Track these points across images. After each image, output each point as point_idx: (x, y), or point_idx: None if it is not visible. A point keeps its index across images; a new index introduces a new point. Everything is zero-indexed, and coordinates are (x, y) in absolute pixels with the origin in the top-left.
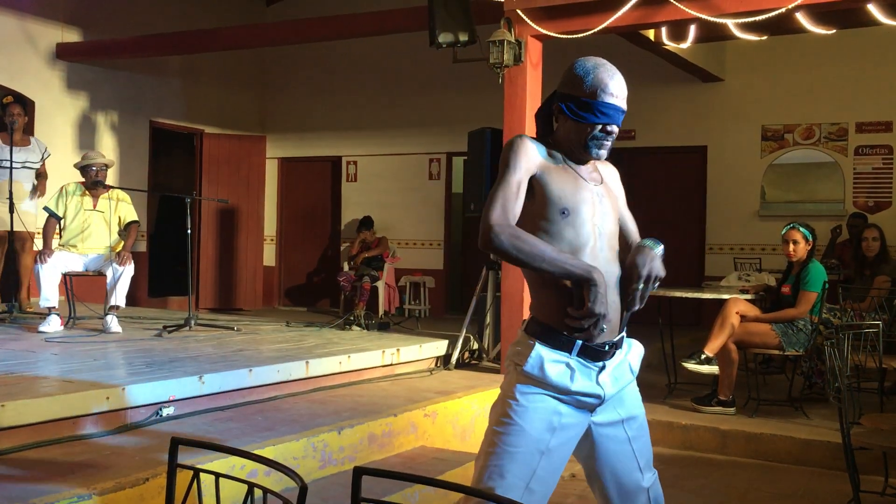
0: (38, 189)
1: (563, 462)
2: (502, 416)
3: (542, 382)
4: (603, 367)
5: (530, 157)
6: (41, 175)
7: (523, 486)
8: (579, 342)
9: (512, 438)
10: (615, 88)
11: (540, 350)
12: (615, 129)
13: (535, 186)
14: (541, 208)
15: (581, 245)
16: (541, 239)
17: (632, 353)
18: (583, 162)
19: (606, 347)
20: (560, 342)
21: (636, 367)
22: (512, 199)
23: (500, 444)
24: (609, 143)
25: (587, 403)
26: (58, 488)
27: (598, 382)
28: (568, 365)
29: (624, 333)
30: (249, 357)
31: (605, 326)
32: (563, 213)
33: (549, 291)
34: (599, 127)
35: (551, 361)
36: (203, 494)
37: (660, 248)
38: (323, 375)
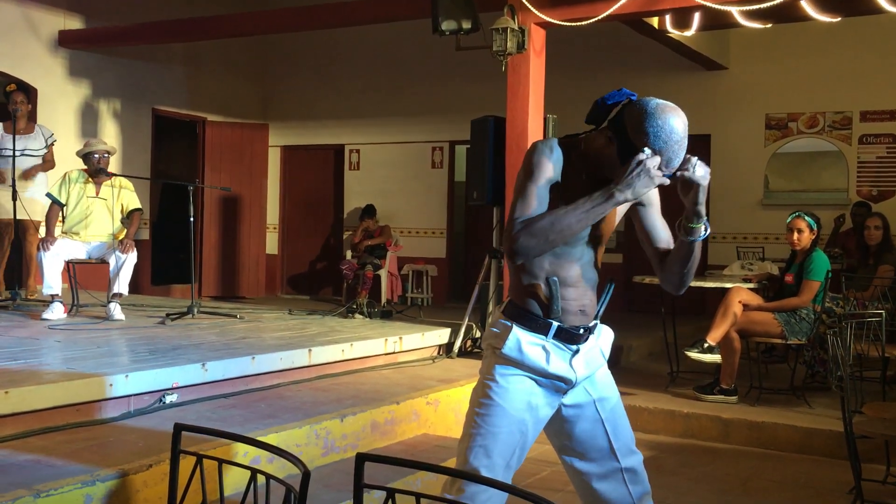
0: (36, 170)
1: (533, 441)
2: (483, 397)
3: (520, 364)
4: (577, 351)
5: (552, 164)
6: (47, 162)
7: (504, 465)
8: (555, 325)
9: (494, 419)
10: (669, 168)
11: (517, 332)
12: None
13: (551, 193)
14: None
15: (566, 255)
16: None
17: (602, 338)
18: (602, 179)
19: (581, 331)
20: (537, 325)
21: (607, 351)
22: (529, 208)
23: (483, 424)
24: None
25: (559, 386)
26: (61, 474)
27: (571, 366)
28: (544, 347)
29: (598, 320)
30: (252, 345)
31: (582, 310)
32: None
33: (526, 276)
34: None
35: (528, 344)
36: (206, 480)
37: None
38: (325, 363)
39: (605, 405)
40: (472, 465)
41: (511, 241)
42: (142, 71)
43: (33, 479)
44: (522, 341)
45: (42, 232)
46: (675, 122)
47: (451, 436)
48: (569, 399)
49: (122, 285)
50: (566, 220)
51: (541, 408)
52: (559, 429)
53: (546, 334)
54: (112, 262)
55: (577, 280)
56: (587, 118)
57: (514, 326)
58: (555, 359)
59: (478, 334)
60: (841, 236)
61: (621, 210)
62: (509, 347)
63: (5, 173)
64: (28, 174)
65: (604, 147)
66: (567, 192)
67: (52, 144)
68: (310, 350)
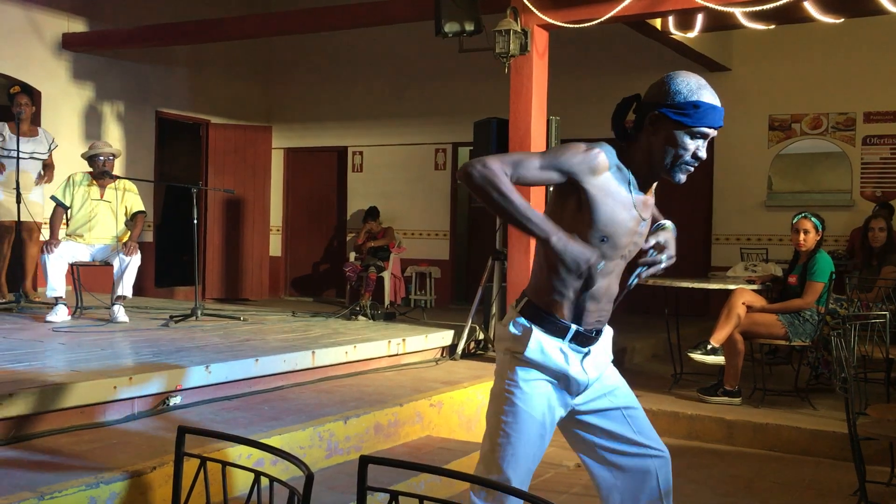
0: (46, 177)
1: (548, 443)
2: (507, 404)
3: (542, 367)
4: (588, 353)
5: (583, 168)
6: (48, 166)
7: (528, 469)
8: (573, 329)
9: (521, 426)
10: (717, 101)
11: (539, 335)
12: (704, 153)
13: (584, 202)
14: (583, 227)
15: (604, 268)
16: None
17: (607, 338)
18: (648, 185)
19: (594, 333)
20: (556, 328)
21: (608, 348)
22: (524, 168)
23: (511, 432)
24: (692, 170)
25: (571, 388)
26: (66, 477)
27: (583, 367)
28: (562, 350)
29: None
30: (256, 347)
31: (597, 314)
32: (603, 240)
33: (556, 284)
34: (692, 151)
35: (550, 346)
36: (210, 483)
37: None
38: (329, 365)
39: (618, 393)
40: (507, 476)
41: (474, 163)
42: (145, 73)
43: (37, 482)
44: (545, 344)
45: (46, 234)
46: (692, 75)
47: (454, 438)
48: (580, 399)
49: (125, 287)
50: (510, 207)
51: (556, 410)
52: (584, 435)
53: (564, 337)
54: (116, 264)
55: (603, 292)
56: (616, 136)
57: (535, 329)
58: (571, 361)
59: (481, 336)
60: (851, 236)
61: (649, 220)
62: (532, 350)
63: (9, 175)
64: (37, 181)
65: (649, 136)
66: (606, 207)
67: (53, 150)
68: (313, 352)
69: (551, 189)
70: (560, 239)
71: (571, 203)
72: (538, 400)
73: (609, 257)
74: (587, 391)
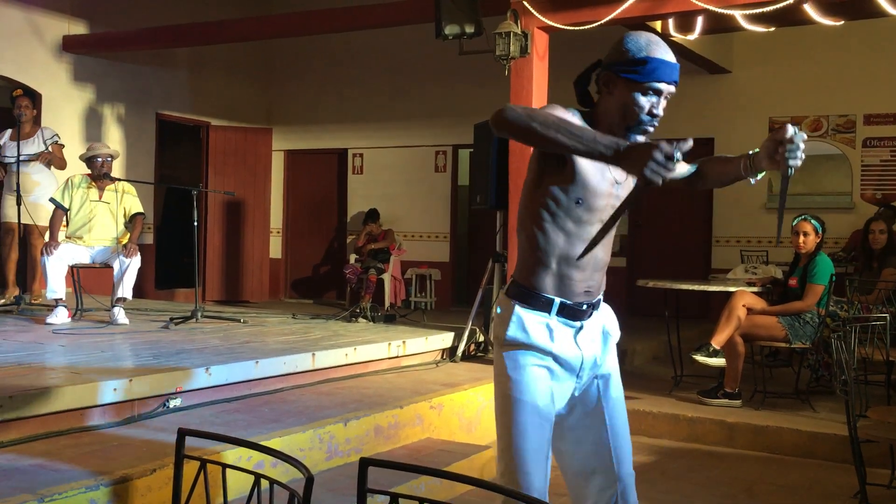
0: (44, 158)
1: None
2: (504, 396)
3: (526, 345)
4: (580, 328)
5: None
6: (59, 159)
7: (545, 457)
8: (557, 302)
9: (519, 417)
10: (669, 56)
11: (520, 311)
12: (660, 110)
13: (569, 159)
14: (560, 184)
15: (581, 235)
16: (539, 217)
17: (604, 315)
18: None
19: (584, 307)
20: (540, 303)
21: (613, 328)
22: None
23: (511, 426)
24: (651, 130)
25: (569, 365)
26: (65, 479)
27: (576, 343)
28: (548, 325)
29: (601, 297)
30: (256, 349)
31: (590, 287)
32: (578, 202)
33: (537, 256)
34: (646, 109)
35: (532, 322)
36: (210, 485)
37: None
38: (329, 367)
39: (607, 379)
40: (526, 472)
41: (505, 107)
42: (146, 76)
43: (37, 484)
44: (526, 320)
45: (46, 237)
46: (644, 33)
47: (454, 440)
48: (581, 382)
49: (125, 289)
50: (559, 131)
51: (557, 392)
52: (563, 434)
53: (549, 311)
54: (116, 266)
55: (587, 261)
56: (579, 101)
57: (517, 306)
58: (559, 337)
59: (481, 338)
60: (853, 237)
61: (627, 187)
62: (513, 329)
63: (10, 179)
64: (31, 161)
65: (602, 110)
66: (583, 166)
67: (56, 144)
68: (313, 354)
69: (533, 153)
70: (622, 160)
71: (552, 160)
72: (534, 385)
73: (587, 222)
74: (587, 372)
